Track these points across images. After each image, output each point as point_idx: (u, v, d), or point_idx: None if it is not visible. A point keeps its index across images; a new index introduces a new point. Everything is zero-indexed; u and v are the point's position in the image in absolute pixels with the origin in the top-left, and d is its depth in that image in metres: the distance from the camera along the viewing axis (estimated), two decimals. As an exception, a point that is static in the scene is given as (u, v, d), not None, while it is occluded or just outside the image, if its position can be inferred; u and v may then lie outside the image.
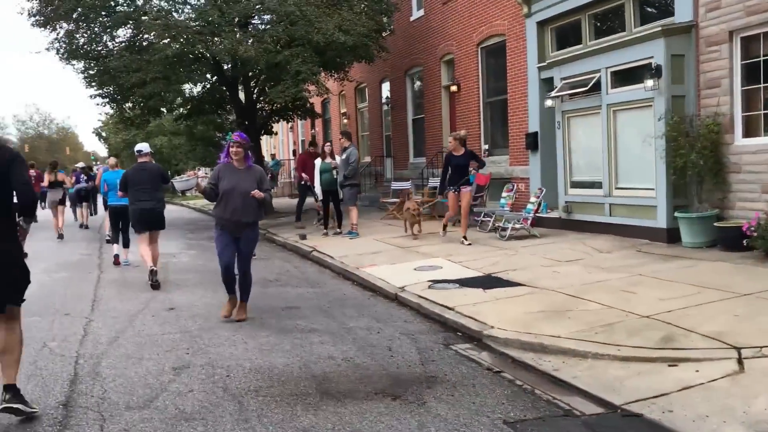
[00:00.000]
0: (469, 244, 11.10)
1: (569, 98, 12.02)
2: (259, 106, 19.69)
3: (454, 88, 16.46)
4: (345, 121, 25.41)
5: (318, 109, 24.74)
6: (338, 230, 14.02)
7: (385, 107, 21.77)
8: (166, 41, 15.13)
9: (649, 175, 10.14)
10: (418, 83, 19.77)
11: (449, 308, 6.96)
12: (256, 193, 6.84)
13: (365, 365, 5.48)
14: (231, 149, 7.03)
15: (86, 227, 19.09)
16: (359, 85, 23.54)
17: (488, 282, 8.21)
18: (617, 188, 10.94)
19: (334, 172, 13.70)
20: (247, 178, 6.96)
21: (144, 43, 16.40)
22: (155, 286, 9.45)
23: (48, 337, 6.67)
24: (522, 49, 13.90)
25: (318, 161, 14.09)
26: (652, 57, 9.89)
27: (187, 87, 20.78)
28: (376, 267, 9.84)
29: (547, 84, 13.34)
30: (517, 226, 11.57)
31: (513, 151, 14.42)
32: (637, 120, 10.37)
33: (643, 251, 9.46)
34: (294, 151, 30.77)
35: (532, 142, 13.47)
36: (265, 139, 32.35)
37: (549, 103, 12.17)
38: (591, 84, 11.03)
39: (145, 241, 9.87)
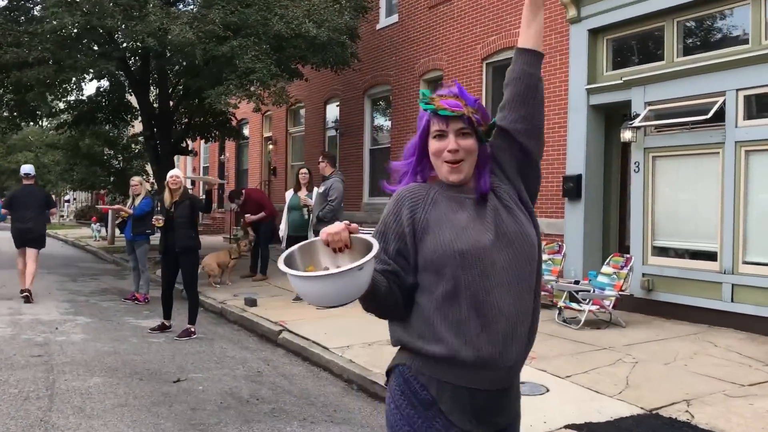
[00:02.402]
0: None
1: (654, 131, 8.69)
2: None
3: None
4: (270, 147, 21.14)
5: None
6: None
7: (331, 133, 17.79)
8: (60, 8, 10.41)
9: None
10: (381, 105, 16.02)
11: None
12: None
13: None
14: None
15: None
16: (293, 105, 19.43)
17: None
18: (745, 262, 7.60)
19: (305, 210, 9.61)
20: None
21: (31, 7, 11.49)
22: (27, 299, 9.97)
23: None
24: (559, 66, 10.53)
25: (288, 194, 9.93)
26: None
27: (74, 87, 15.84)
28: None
29: (599, 112, 10.00)
30: (593, 308, 7.92)
31: (538, 199, 10.87)
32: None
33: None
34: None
35: (573, 188, 10.01)
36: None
37: (627, 136, 8.75)
38: (712, 112, 7.70)
39: (23, 255, 10.28)
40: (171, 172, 8.03)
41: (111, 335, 7.92)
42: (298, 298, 9.75)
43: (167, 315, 8.25)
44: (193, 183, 22.58)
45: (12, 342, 7.39)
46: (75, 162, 19.92)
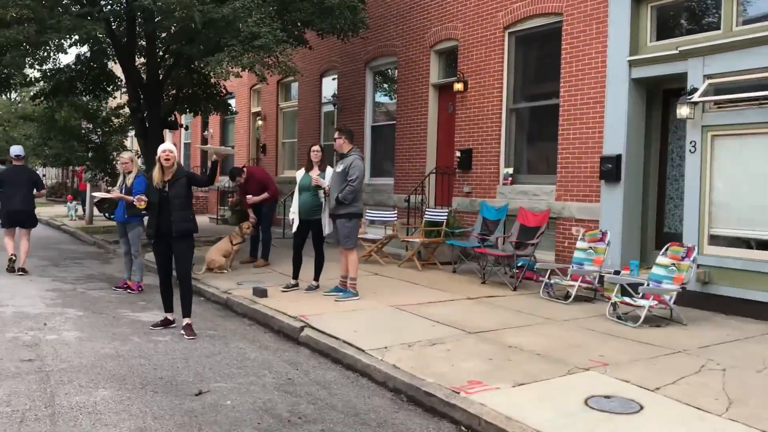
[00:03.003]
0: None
1: (714, 107, 7.87)
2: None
3: (458, 86, 11.89)
4: (260, 123, 20.01)
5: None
6: (314, 284, 8.91)
7: (327, 108, 16.73)
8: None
9: None
10: (385, 79, 15.02)
11: None
12: None
13: None
14: None
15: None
16: (283, 78, 18.29)
17: None
18: (823, 254, 6.86)
19: (321, 192, 8.65)
20: None
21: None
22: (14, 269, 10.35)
23: None
24: (595, 35, 9.65)
25: (299, 174, 8.94)
26: None
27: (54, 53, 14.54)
28: (490, 390, 4.98)
29: (640, 86, 9.16)
30: (652, 303, 7.12)
31: (565, 180, 10.06)
32: None
33: None
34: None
35: (612, 169, 9.17)
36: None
37: (684, 112, 7.91)
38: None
39: (11, 235, 10.60)
40: (163, 146, 6.99)
41: (108, 332, 6.92)
42: (310, 288, 8.83)
43: (169, 308, 7.28)
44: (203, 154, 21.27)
45: (-5, 342, 6.37)
46: (49, 136, 18.56)
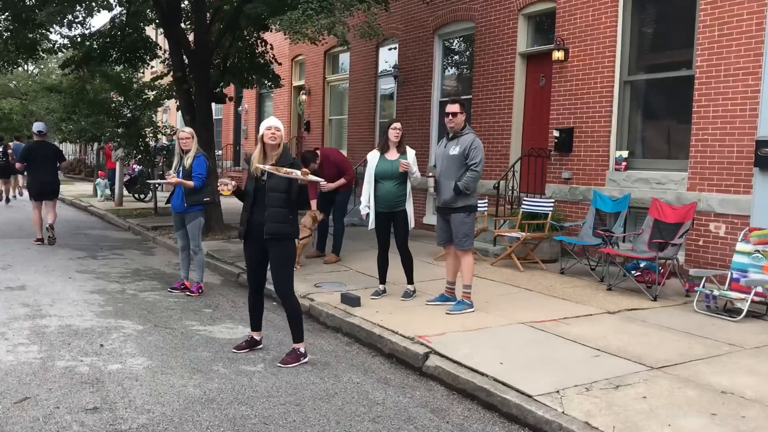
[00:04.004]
0: None
1: None
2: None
3: (558, 54, 10.23)
4: (303, 98, 18.43)
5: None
6: (410, 289, 7.39)
7: (386, 82, 15.09)
8: None
9: None
10: (455, 47, 13.38)
11: None
12: None
13: None
14: None
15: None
16: (331, 48, 16.68)
17: None
18: None
19: (412, 178, 7.11)
20: None
21: None
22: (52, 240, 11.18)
23: None
24: (748, -8, 7.97)
25: (372, 157, 7.34)
26: None
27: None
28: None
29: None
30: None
31: (701, 167, 8.44)
32: None
33: None
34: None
35: (772, 154, 7.55)
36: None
37: None
38: None
39: (39, 208, 11.39)
40: (268, 122, 5.44)
41: (184, 359, 5.44)
42: (407, 295, 7.32)
43: (256, 326, 5.80)
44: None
45: (46, 377, 4.88)
46: (74, 110, 17.03)
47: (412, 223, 7.19)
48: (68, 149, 45.07)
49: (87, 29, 13.25)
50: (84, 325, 6.33)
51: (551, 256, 9.68)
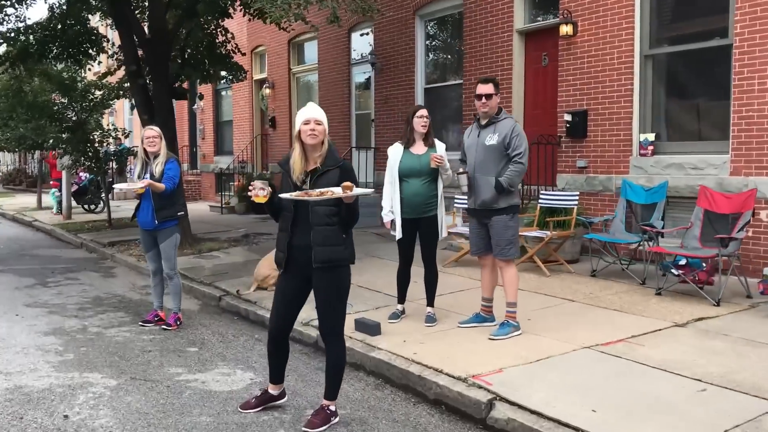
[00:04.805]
0: None
1: None
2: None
3: (566, 29, 9.14)
4: (266, 92, 16.98)
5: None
6: (431, 313, 6.12)
7: (361, 69, 13.80)
8: None
9: None
10: (443, 28, 12.18)
11: None
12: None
13: None
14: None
15: None
16: (296, 36, 15.31)
17: None
18: None
19: (445, 176, 5.91)
20: None
21: None
22: None
23: None
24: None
25: (393, 152, 6.09)
26: None
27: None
28: None
29: None
30: None
31: (747, 148, 7.44)
32: None
33: None
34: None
35: (838, 129, 6.57)
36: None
37: None
38: None
39: None
40: (306, 113, 4.04)
41: (179, 430, 4.11)
42: (430, 319, 6.07)
43: (277, 377, 4.44)
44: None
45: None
46: (11, 115, 15.27)
47: (444, 232, 5.99)
48: (6, 159, 42.38)
49: (22, 22, 11.62)
50: (39, 384, 4.92)
51: (573, 255, 8.59)
